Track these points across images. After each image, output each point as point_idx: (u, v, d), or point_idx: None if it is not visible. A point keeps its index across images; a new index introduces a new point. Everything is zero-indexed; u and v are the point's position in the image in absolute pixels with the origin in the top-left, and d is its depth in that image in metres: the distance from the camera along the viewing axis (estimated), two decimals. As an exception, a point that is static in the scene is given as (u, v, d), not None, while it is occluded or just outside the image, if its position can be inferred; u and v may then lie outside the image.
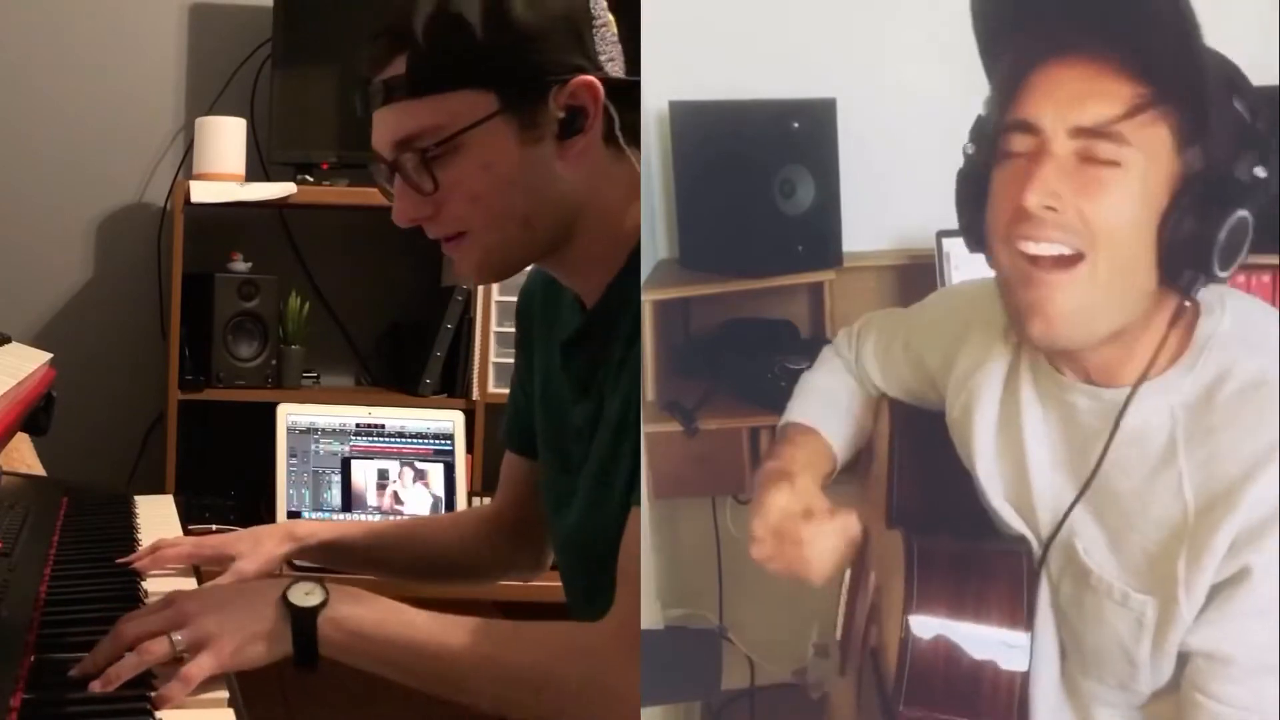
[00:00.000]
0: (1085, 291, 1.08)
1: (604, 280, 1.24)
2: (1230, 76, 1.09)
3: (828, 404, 1.45)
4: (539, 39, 1.15)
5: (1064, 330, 1.10)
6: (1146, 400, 1.12)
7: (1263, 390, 1.07)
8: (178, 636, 1.10)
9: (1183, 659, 1.12)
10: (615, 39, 1.20)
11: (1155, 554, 1.11)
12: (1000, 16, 1.13)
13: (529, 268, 1.32)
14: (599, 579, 1.27)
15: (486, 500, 1.58)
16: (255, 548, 1.52)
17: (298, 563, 1.62)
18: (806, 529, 1.25)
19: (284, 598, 1.13)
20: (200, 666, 1.09)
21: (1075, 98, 1.07)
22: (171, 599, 1.15)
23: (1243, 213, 1.07)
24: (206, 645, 1.10)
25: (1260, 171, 1.07)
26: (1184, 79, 1.05)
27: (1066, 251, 1.08)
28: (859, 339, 1.47)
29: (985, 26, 1.15)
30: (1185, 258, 1.07)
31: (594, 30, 1.17)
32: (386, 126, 1.18)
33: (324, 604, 1.13)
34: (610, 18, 1.19)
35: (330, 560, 1.60)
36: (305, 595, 1.13)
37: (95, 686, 1.06)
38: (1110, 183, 1.06)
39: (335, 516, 2.46)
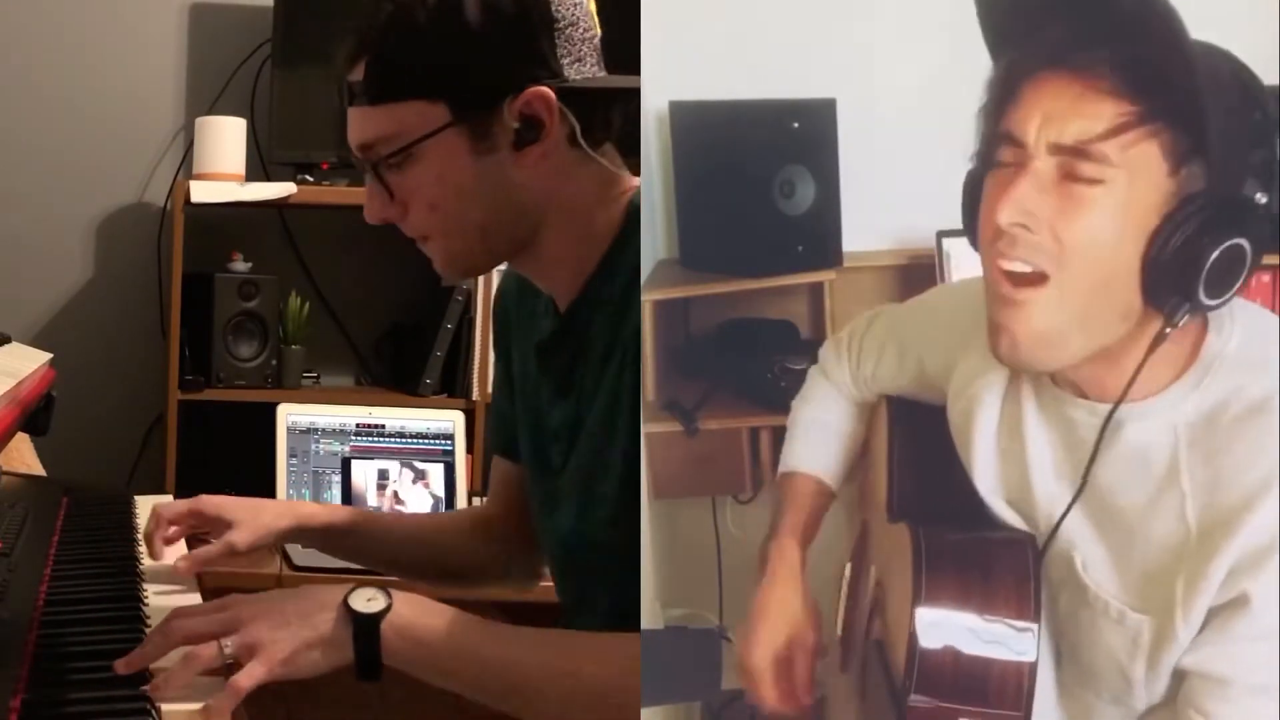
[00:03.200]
0: (1053, 313, 1.06)
1: (577, 281, 1.23)
2: (1246, 96, 1.05)
3: (820, 439, 1.49)
4: (491, 50, 1.14)
5: (1030, 352, 1.09)
6: (1150, 418, 1.10)
7: (1267, 414, 1.06)
8: (227, 643, 1.07)
9: (1179, 676, 1.11)
10: (588, 36, 1.18)
11: (1154, 574, 1.10)
12: (999, 23, 1.12)
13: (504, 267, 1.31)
14: (587, 582, 1.27)
15: (487, 500, 1.57)
16: (254, 518, 1.49)
17: (293, 548, 1.60)
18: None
19: (345, 603, 1.08)
20: (250, 676, 1.05)
21: (1059, 114, 1.04)
22: (227, 603, 1.11)
23: (1238, 240, 1.04)
24: (257, 653, 1.06)
25: (1261, 197, 1.04)
26: (1176, 99, 1.02)
27: (1035, 269, 1.06)
28: (857, 348, 1.47)
29: (988, 31, 1.13)
30: (1169, 282, 1.04)
31: (557, 33, 1.15)
32: (352, 128, 1.20)
33: (387, 610, 1.08)
34: (582, 15, 1.17)
35: (327, 545, 1.59)
36: (367, 601, 1.08)
37: (149, 690, 1.04)
38: (1088, 202, 1.04)
39: (335, 516, 2.46)
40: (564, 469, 1.27)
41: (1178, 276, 1.04)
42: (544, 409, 1.31)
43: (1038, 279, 1.06)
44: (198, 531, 1.56)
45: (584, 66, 1.17)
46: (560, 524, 1.28)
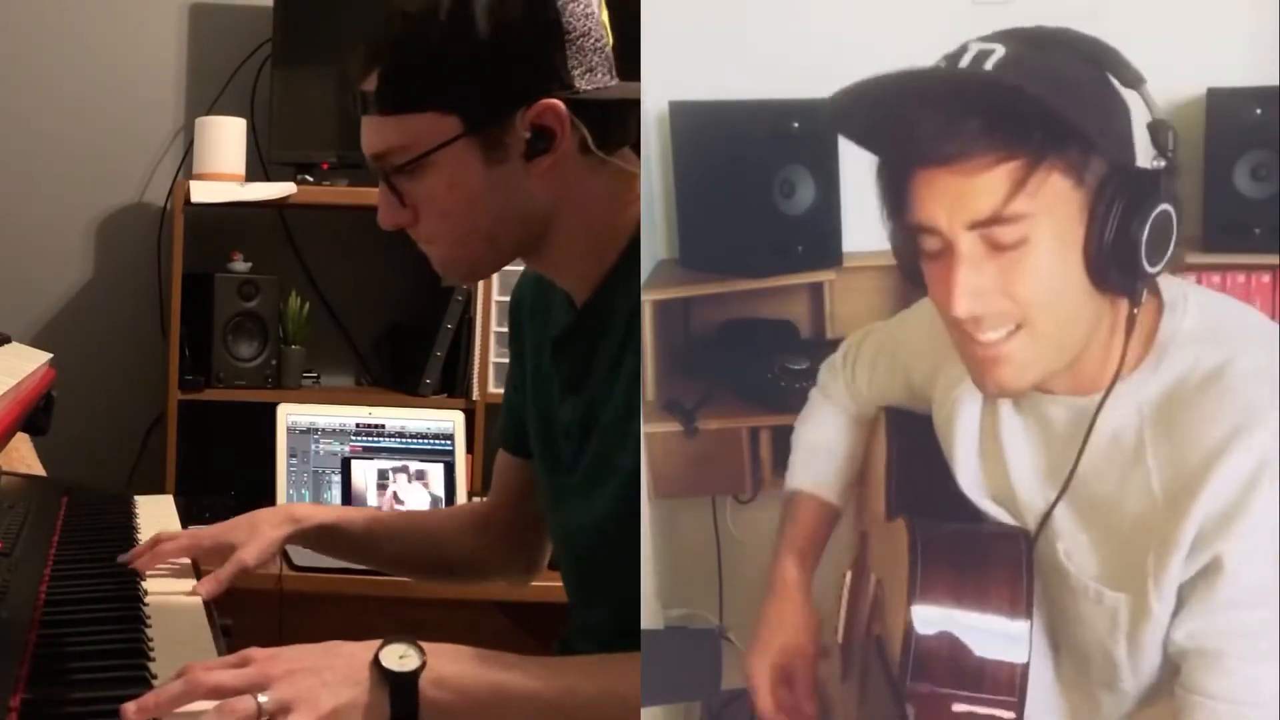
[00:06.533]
0: (1030, 350, 1.10)
1: (594, 278, 1.23)
2: (1099, 72, 1.07)
3: (819, 458, 1.52)
4: (503, 63, 1.15)
5: (1016, 383, 1.13)
6: (1117, 403, 1.13)
7: (1223, 380, 1.08)
8: (263, 697, 1.03)
9: (1173, 663, 1.12)
10: (599, 46, 1.18)
11: (1128, 551, 1.12)
12: (858, 134, 1.16)
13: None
14: (593, 577, 1.28)
15: (489, 494, 1.58)
16: (253, 535, 1.50)
17: (293, 548, 1.59)
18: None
19: (377, 663, 1.06)
20: None
21: (959, 198, 1.06)
22: (249, 657, 1.08)
23: (1164, 206, 1.07)
24: (295, 709, 1.03)
25: (1159, 161, 1.07)
26: (1048, 125, 1.03)
27: (1007, 332, 1.09)
28: (850, 364, 1.50)
29: (855, 139, 1.16)
30: (1115, 267, 1.07)
31: (568, 44, 1.16)
32: (365, 137, 1.21)
33: (422, 667, 1.06)
34: (594, 25, 1.18)
35: (327, 546, 1.59)
36: (400, 659, 1.07)
37: None
38: (1024, 258, 1.06)
39: (335, 516, 2.46)
40: (575, 465, 1.27)
41: (1121, 258, 1.07)
42: (554, 404, 1.31)
43: (1011, 334, 1.09)
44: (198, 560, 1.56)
45: (595, 76, 1.17)
46: (570, 520, 1.29)
